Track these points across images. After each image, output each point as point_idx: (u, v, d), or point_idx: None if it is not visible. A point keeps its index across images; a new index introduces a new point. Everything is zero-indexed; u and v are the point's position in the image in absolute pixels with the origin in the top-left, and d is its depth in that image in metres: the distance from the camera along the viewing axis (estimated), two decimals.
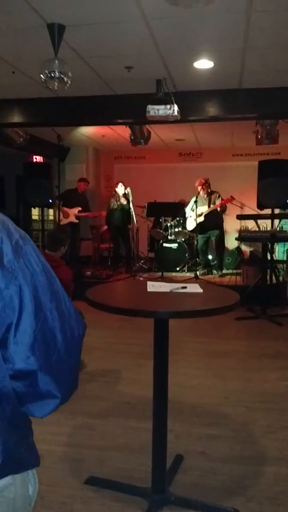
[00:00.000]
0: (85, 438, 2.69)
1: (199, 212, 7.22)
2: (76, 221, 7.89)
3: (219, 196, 7.29)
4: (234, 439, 2.68)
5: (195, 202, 7.17)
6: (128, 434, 2.71)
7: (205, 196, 7.33)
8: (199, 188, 7.26)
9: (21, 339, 0.81)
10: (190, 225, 7.47)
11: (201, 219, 7.26)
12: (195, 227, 7.33)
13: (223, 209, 7.24)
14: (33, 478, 0.96)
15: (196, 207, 7.14)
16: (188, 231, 7.60)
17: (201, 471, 2.34)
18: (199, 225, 7.26)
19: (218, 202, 7.22)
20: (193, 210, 7.20)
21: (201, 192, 7.27)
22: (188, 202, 7.53)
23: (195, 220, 7.20)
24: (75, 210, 7.88)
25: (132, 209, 7.38)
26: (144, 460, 2.28)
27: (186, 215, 7.56)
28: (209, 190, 7.36)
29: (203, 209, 7.29)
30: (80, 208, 7.91)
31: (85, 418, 2.94)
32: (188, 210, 7.51)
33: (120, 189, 7.68)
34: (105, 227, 8.14)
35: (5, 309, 0.80)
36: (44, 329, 0.84)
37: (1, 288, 0.80)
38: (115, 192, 7.80)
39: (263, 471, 2.35)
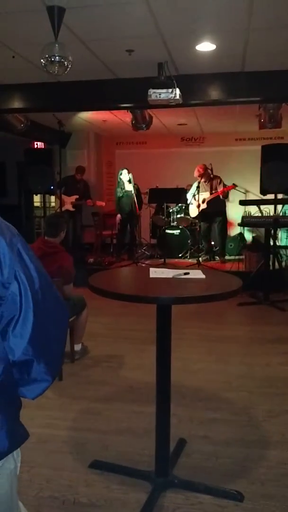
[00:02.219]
0: (89, 422, 2.72)
1: (201, 198, 7.18)
2: (73, 209, 7.87)
3: (220, 182, 7.24)
4: (237, 423, 2.71)
5: (198, 187, 7.12)
6: (132, 419, 2.74)
7: (206, 182, 7.28)
8: (198, 178, 7.21)
9: (22, 332, 0.87)
10: (193, 212, 7.44)
11: (204, 206, 7.22)
12: (197, 214, 7.29)
13: (225, 195, 7.19)
14: None
15: (198, 193, 7.10)
16: (191, 217, 7.57)
17: (204, 454, 2.37)
18: (201, 212, 7.23)
19: (220, 188, 7.17)
20: (194, 197, 7.16)
21: (201, 180, 7.23)
22: (195, 187, 7.46)
23: (198, 207, 7.16)
24: (72, 199, 7.85)
25: (133, 194, 7.35)
26: (148, 444, 2.31)
27: (188, 201, 7.52)
28: (211, 176, 7.31)
29: (205, 195, 7.25)
30: (77, 196, 7.87)
31: (89, 403, 2.97)
32: (189, 196, 7.46)
33: (125, 176, 7.63)
34: (118, 216, 8.08)
35: (8, 306, 0.86)
36: (40, 320, 0.89)
37: (4, 285, 0.85)
38: (120, 180, 7.74)
39: (265, 454, 2.37)
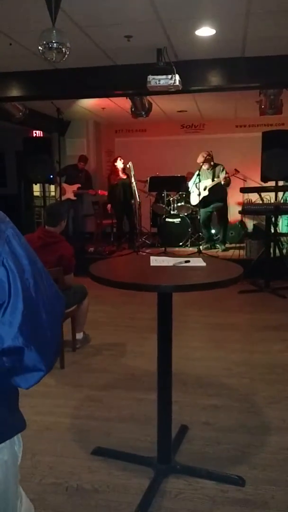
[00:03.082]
0: (91, 410, 2.74)
1: (202, 186, 7.15)
2: (74, 198, 7.83)
3: (223, 169, 7.19)
4: (238, 409, 2.73)
5: (198, 175, 7.09)
6: (134, 406, 2.76)
7: (209, 169, 7.24)
8: (203, 163, 7.16)
9: (11, 319, 0.85)
10: (194, 199, 7.40)
11: (205, 193, 7.19)
12: (198, 202, 7.26)
13: (227, 182, 7.15)
14: (16, 437, 1.02)
15: (200, 181, 7.06)
16: (192, 205, 7.54)
17: (206, 440, 2.39)
18: (202, 199, 7.19)
19: (222, 175, 7.13)
20: (196, 185, 7.12)
21: (204, 166, 7.19)
22: (196, 175, 7.41)
23: (199, 195, 7.13)
24: (74, 187, 7.81)
25: (134, 184, 7.31)
26: (150, 430, 2.32)
27: (190, 190, 7.48)
28: (212, 163, 7.26)
29: (207, 182, 7.22)
30: (79, 185, 7.84)
31: (91, 390, 2.99)
32: (191, 184, 7.43)
33: (119, 163, 7.59)
34: (109, 205, 8.06)
35: None
36: (30, 308, 0.87)
37: None
38: (115, 167, 7.71)
39: (266, 440, 2.39)
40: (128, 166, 7.39)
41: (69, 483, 2.05)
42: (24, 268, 0.87)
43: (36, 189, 9.79)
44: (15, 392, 0.99)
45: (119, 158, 7.70)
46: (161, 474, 2.08)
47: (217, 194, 7.23)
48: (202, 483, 2.04)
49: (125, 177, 7.54)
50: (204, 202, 7.25)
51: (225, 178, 7.04)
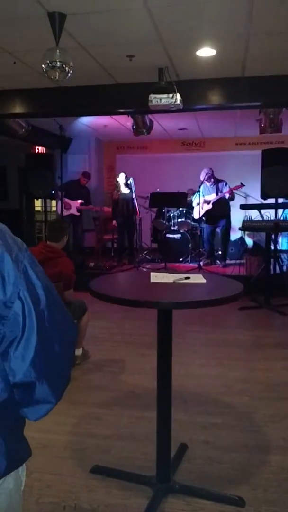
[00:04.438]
0: (90, 427, 2.71)
1: (207, 199, 7.20)
2: (77, 214, 7.88)
3: (226, 184, 7.27)
4: (238, 428, 2.70)
5: (198, 191, 7.15)
6: (133, 424, 2.73)
7: (212, 185, 7.31)
8: (206, 180, 7.23)
9: (24, 353, 0.83)
10: (197, 212, 7.43)
11: (209, 206, 7.24)
12: (201, 216, 7.30)
13: (232, 196, 7.21)
14: None
15: (203, 196, 7.13)
16: (194, 219, 7.58)
17: (206, 459, 2.36)
18: (206, 214, 7.23)
19: (225, 189, 7.20)
20: (198, 199, 7.18)
21: (207, 183, 7.26)
22: (197, 191, 7.47)
23: (202, 207, 7.18)
24: (77, 203, 7.86)
25: (135, 199, 7.37)
26: (149, 449, 2.30)
27: (193, 204, 7.52)
28: (213, 179, 7.34)
29: (210, 197, 7.27)
30: (82, 201, 7.89)
31: (89, 407, 2.96)
32: (194, 198, 7.48)
33: (121, 178, 7.66)
34: (114, 222, 8.09)
35: (11, 326, 0.81)
36: (44, 341, 0.85)
37: (6, 304, 0.80)
38: (117, 182, 7.78)
39: (267, 459, 2.36)
40: (129, 182, 7.45)
41: (67, 503, 2.02)
42: (40, 299, 0.85)
43: (38, 204, 9.85)
44: (22, 422, 0.96)
45: (122, 173, 7.76)
46: (160, 494, 2.05)
47: (221, 209, 7.27)
48: (202, 503, 2.01)
49: (127, 192, 7.59)
50: (208, 218, 7.28)
51: (230, 190, 7.09)
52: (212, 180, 7.30)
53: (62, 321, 0.90)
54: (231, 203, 7.44)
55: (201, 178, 7.26)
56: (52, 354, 0.87)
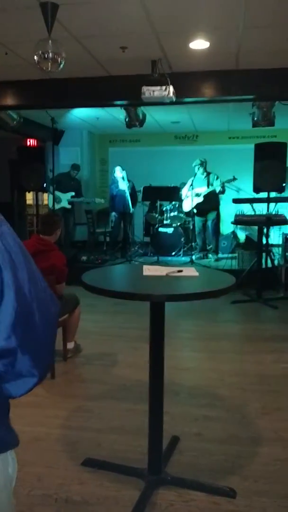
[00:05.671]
0: (81, 420, 2.71)
1: (197, 192, 7.20)
2: (69, 206, 7.84)
3: (217, 178, 7.27)
4: (230, 420, 2.72)
5: (191, 184, 7.15)
6: (125, 416, 2.74)
7: (204, 177, 7.31)
8: (198, 168, 7.23)
9: (3, 318, 0.80)
10: (187, 205, 7.43)
11: (200, 199, 7.24)
12: (192, 209, 7.31)
13: (223, 190, 7.23)
14: (11, 458, 0.96)
15: (193, 188, 7.13)
16: (185, 212, 7.58)
17: (197, 451, 2.37)
18: (196, 207, 7.24)
19: (216, 183, 7.20)
20: (190, 191, 7.18)
21: (199, 171, 7.26)
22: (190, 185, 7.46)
23: (192, 200, 7.18)
24: (68, 195, 7.82)
25: (127, 192, 7.35)
26: (141, 441, 2.30)
27: (183, 197, 7.52)
28: (205, 170, 7.35)
29: (201, 189, 7.27)
30: (73, 194, 7.85)
31: (81, 401, 2.97)
32: (185, 190, 7.47)
33: (118, 173, 7.63)
34: (113, 214, 8.08)
35: None
36: (23, 308, 0.83)
37: None
38: (114, 177, 7.74)
39: (258, 451, 2.38)
40: (122, 175, 7.44)
41: (59, 495, 2.02)
42: (18, 266, 0.83)
43: (29, 197, 9.77)
44: (4, 402, 0.92)
45: (119, 167, 7.74)
46: (151, 486, 2.06)
47: (212, 202, 7.29)
48: (193, 495, 2.02)
49: (124, 188, 7.57)
50: (198, 210, 7.29)
51: (223, 184, 7.11)
52: (205, 172, 7.30)
53: (42, 293, 0.88)
54: (222, 196, 7.46)
55: (193, 165, 7.26)
56: (33, 324, 0.85)
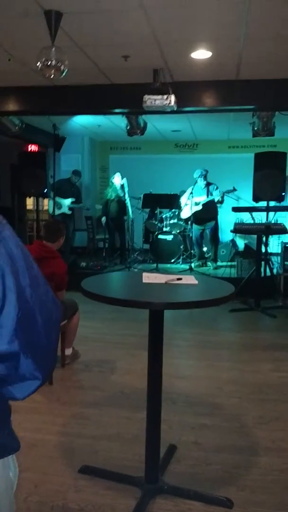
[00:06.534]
0: (79, 427, 2.70)
1: (195, 200, 7.23)
2: (69, 212, 7.85)
3: (217, 188, 7.31)
4: (227, 429, 2.71)
5: (191, 193, 7.17)
6: (122, 424, 2.73)
7: (204, 185, 7.34)
8: (199, 178, 7.27)
9: (5, 323, 0.81)
10: (186, 213, 7.46)
11: (199, 208, 7.27)
12: (190, 216, 7.33)
13: (222, 200, 7.26)
14: (12, 462, 0.97)
15: (192, 197, 7.16)
16: (183, 219, 7.60)
17: (194, 460, 2.37)
18: (195, 215, 7.26)
19: (215, 193, 7.24)
20: (189, 199, 7.21)
21: (200, 181, 7.29)
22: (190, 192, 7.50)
23: (191, 208, 7.21)
24: (69, 201, 7.85)
25: (128, 200, 7.37)
26: (138, 449, 2.30)
27: (182, 205, 7.55)
28: (205, 181, 7.38)
29: (201, 198, 7.30)
30: (74, 199, 7.87)
31: (79, 407, 2.96)
32: (184, 198, 7.50)
33: (118, 179, 7.65)
34: (103, 218, 8.09)
35: None
36: (26, 312, 0.83)
37: None
38: (112, 184, 7.76)
39: (255, 461, 2.38)
40: (122, 182, 7.46)
41: (55, 502, 2.01)
42: (20, 270, 0.83)
43: (29, 202, 9.80)
44: (6, 405, 0.93)
45: (118, 174, 7.76)
46: (148, 494, 2.05)
47: (210, 212, 7.32)
48: (190, 504, 2.01)
49: (122, 194, 7.59)
50: (197, 219, 7.32)
51: (222, 194, 7.14)
52: (205, 181, 7.34)
53: (44, 297, 0.89)
54: (222, 205, 7.49)
55: (195, 176, 7.30)
56: (35, 328, 0.85)
